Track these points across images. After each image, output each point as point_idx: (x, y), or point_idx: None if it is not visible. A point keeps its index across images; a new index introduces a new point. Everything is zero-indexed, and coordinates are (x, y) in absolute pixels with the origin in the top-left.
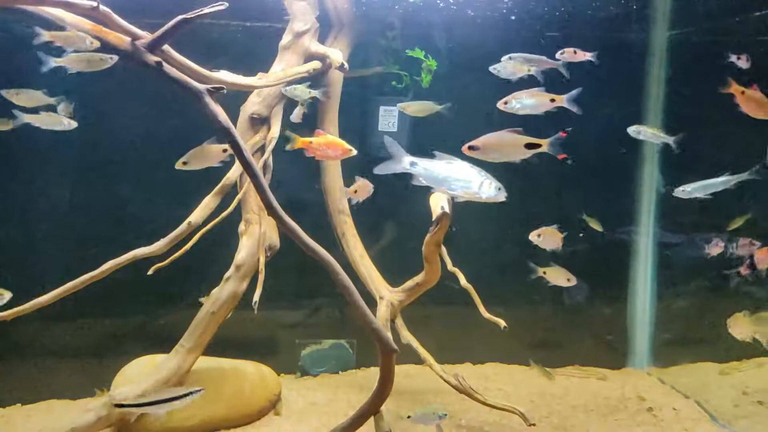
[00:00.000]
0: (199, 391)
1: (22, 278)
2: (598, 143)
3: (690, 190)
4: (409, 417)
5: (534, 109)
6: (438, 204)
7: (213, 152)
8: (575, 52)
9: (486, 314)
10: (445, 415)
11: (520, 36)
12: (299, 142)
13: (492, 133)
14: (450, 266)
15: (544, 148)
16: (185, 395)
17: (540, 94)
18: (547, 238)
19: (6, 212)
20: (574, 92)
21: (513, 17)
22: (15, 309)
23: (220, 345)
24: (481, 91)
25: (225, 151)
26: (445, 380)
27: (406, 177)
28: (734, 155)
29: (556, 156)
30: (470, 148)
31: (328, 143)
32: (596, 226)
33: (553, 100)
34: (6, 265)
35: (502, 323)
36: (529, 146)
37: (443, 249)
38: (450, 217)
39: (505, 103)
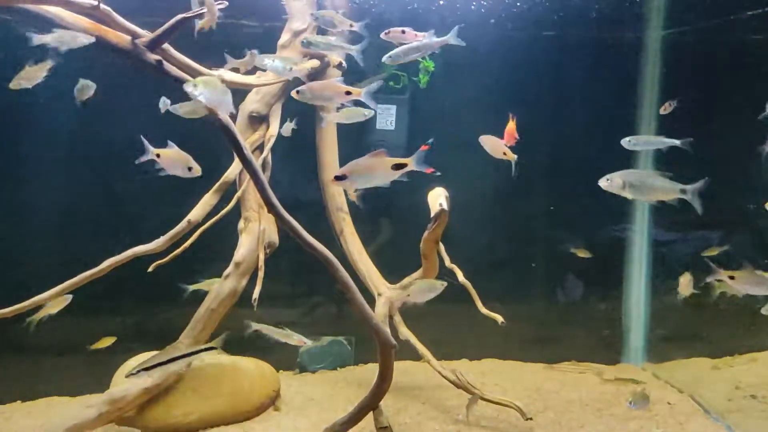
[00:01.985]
0: (212, 348)
1: (23, 275)
2: (593, 141)
3: (634, 143)
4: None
5: (326, 100)
6: (436, 201)
7: None
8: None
9: (483, 310)
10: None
11: (516, 35)
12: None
13: (356, 160)
14: (448, 263)
15: (411, 166)
16: (198, 351)
17: (335, 86)
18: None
19: (6, 210)
20: (373, 85)
21: (509, 16)
22: (15, 306)
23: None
24: (480, 90)
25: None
26: (443, 376)
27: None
28: (728, 152)
29: (424, 171)
30: (337, 178)
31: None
32: (584, 253)
33: (348, 93)
34: (6, 261)
35: (500, 319)
36: (395, 167)
37: (441, 246)
38: (448, 214)
39: (297, 92)
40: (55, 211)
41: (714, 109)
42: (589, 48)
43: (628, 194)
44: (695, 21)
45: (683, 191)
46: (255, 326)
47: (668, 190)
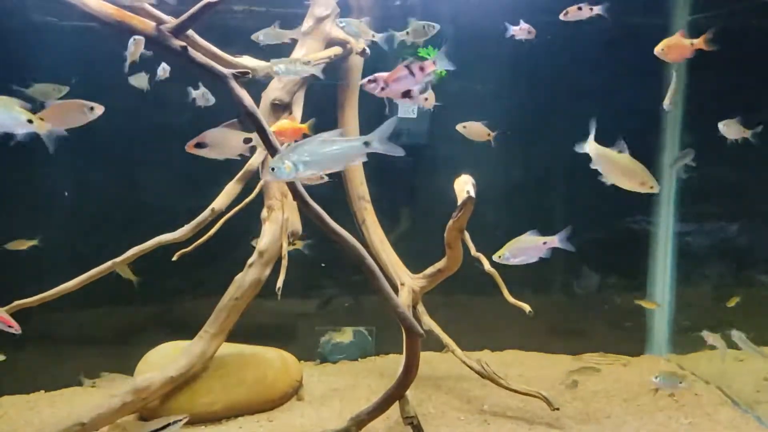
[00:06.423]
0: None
1: (47, 264)
2: (618, 129)
3: None
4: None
5: None
6: (463, 188)
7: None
8: None
9: (510, 299)
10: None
11: (539, 21)
12: None
13: (214, 129)
14: (473, 251)
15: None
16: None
17: None
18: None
19: (31, 200)
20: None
21: (533, 2)
22: (40, 295)
23: (242, 332)
24: (503, 78)
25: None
26: (468, 365)
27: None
28: (756, 142)
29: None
30: (197, 145)
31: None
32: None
33: None
34: (31, 251)
35: (527, 308)
36: (247, 140)
37: (466, 234)
38: (474, 202)
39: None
40: (81, 199)
41: (742, 96)
42: (614, 33)
43: (303, 174)
44: (722, 5)
45: (367, 143)
46: None
47: (352, 149)
